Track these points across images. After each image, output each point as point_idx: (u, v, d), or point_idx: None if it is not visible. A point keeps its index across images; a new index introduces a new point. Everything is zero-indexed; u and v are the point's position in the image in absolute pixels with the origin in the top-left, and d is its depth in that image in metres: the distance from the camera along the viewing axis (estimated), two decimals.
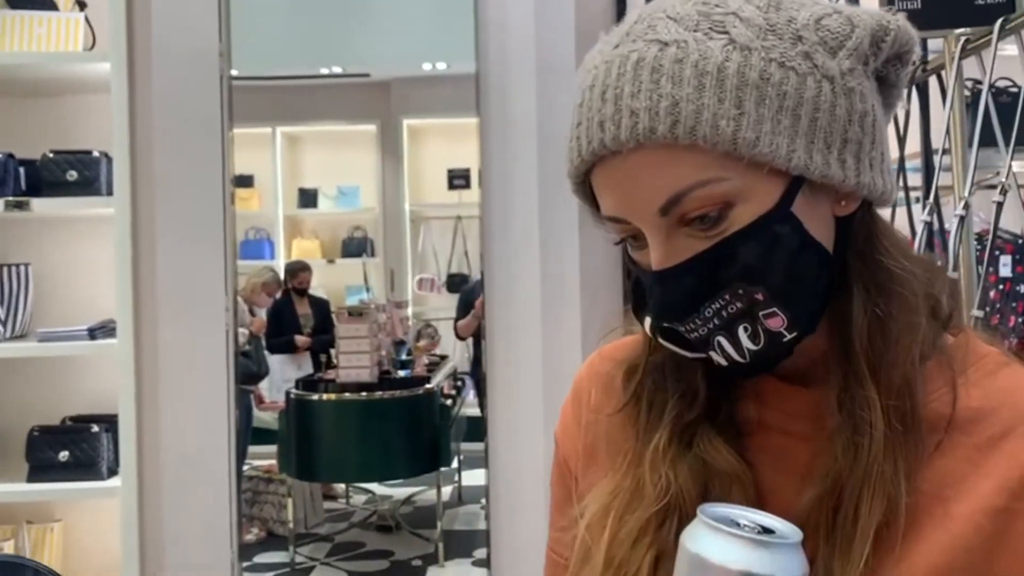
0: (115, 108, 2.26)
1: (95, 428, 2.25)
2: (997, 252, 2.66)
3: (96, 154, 2.28)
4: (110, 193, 2.26)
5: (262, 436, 4.68)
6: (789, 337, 0.58)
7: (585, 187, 0.62)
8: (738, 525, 0.54)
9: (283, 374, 5.19)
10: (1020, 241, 2.71)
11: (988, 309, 2.69)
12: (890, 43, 0.58)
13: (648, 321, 0.62)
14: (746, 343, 0.58)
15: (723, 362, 0.59)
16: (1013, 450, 0.59)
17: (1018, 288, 2.69)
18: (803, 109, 0.56)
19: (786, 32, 0.56)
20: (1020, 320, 2.74)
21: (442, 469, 4.27)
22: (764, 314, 0.57)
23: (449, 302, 6.07)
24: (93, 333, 2.28)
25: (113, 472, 2.27)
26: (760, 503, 0.60)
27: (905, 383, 0.59)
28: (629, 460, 0.66)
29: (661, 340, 0.62)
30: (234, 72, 2.62)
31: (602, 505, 0.65)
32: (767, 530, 0.54)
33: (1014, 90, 2.52)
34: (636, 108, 0.55)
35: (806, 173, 0.56)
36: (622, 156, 0.57)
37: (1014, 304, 2.72)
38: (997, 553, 0.57)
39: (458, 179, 6.63)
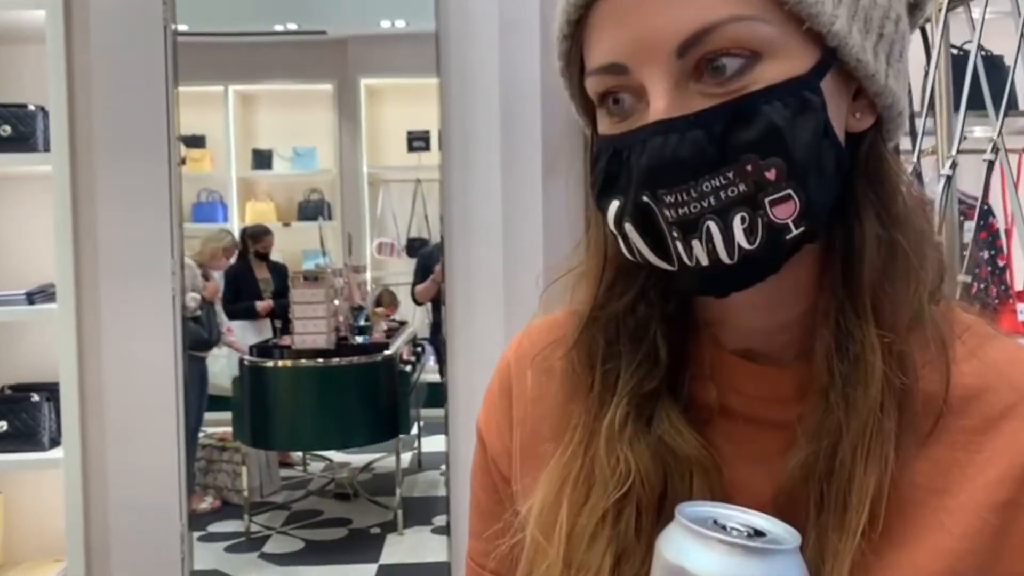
0: (51, 59, 2.14)
1: (35, 397, 2.16)
2: (961, 218, 2.65)
3: (32, 108, 2.16)
4: (47, 150, 2.15)
5: (217, 403, 4.58)
6: (795, 233, 0.48)
7: (574, 37, 0.53)
8: (724, 528, 0.46)
9: (244, 340, 5.08)
10: (986, 207, 2.70)
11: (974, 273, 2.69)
12: None
13: (616, 205, 0.51)
14: (739, 238, 0.48)
15: (703, 259, 0.49)
16: (1015, 432, 0.52)
17: (981, 254, 2.69)
18: None
19: None
20: (982, 286, 2.75)
21: (401, 436, 4.22)
22: (773, 199, 0.48)
23: (409, 266, 5.98)
24: (32, 297, 2.18)
25: (55, 443, 2.18)
26: (726, 498, 0.53)
27: (909, 330, 0.52)
28: (579, 438, 0.57)
29: (627, 228, 0.51)
30: (184, 27, 2.50)
31: (552, 494, 0.56)
32: (758, 533, 0.46)
33: (984, 54, 2.49)
34: None
35: (844, 47, 0.49)
36: None
37: (976, 270, 2.72)
38: (1003, 551, 0.51)
39: (418, 141, 6.51)
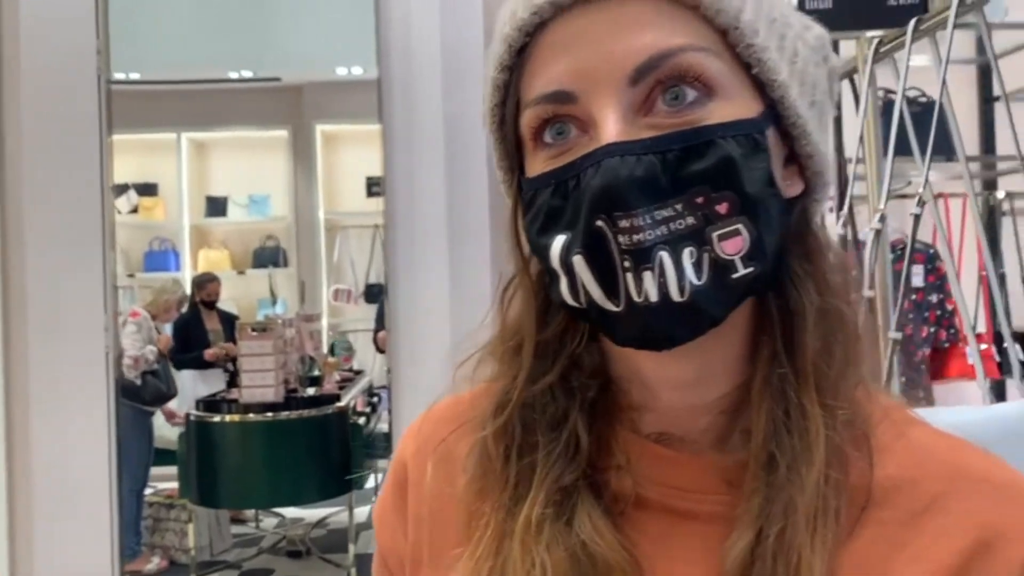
0: None
1: None
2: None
3: None
4: None
5: (165, 457, 4.43)
6: (741, 272, 0.46)
7: (513, 68, 0.51)
8: None
9: (195, 391, 4.95)
10: (931, 251, 2.72)
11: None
12: (831, 68, 0.55)
13: (561, 240, 0.48)
14: (689, 273, 0.46)
15: (653, 294, 0.46)
16: (942, 527, 0.49)
17: (930, 298, 2.70)
18: (787, 42, 0.51)
19: None
20: (932, 330, 2.75)
21: (356, 490, 4.10)
22: (721, 234, 0.46)
23: (367, 313, 5.89)
24: None
25: None
26: None
27: (849, 409, 0.50)
28: (491, 538, 0.52)
29: (575, 261, 0.48)
30: (135, 75, 2.46)
31: None
32: None
33: (923, 100, 2.52)
34: None
35: (786, 99, 0.50)
36: (598, 4, 0.47)
37: (926, 314, 2.72)
38: None
39: (377, 186, 6.46)
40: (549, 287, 0.51)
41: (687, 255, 0.46)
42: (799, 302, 0.51)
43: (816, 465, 0.48)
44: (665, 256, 0.46)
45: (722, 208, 0.46)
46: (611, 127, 0.47)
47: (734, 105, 0.48)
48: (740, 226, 0.46)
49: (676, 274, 0.46)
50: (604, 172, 0.46)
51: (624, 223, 0.46)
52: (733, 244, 0.46)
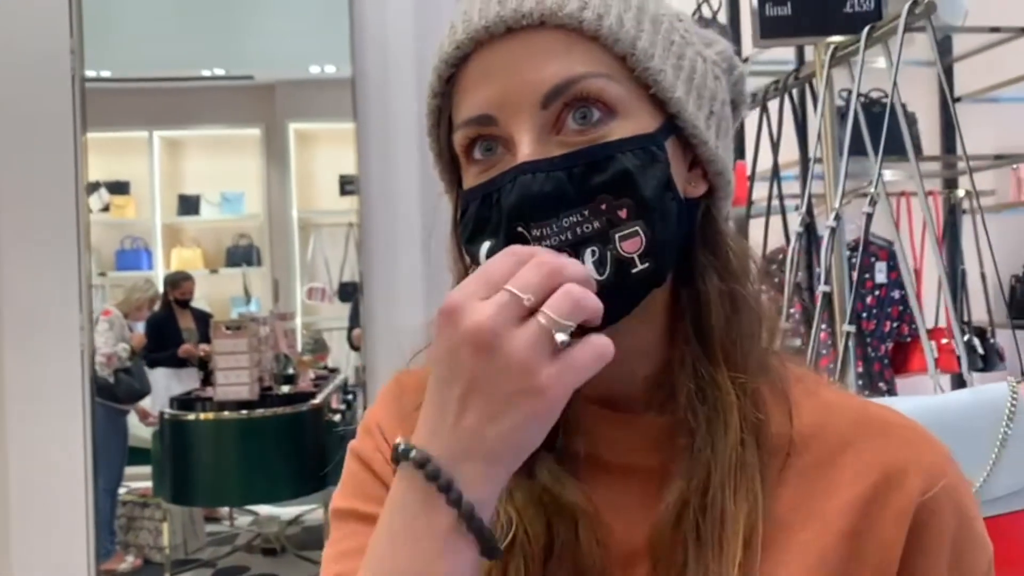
0: None
1: None
2: (873, 259, 2.72)
3: None
4: None
5: (138, 456, 4.42)
6: (640, 267, 0.54)
7: (443, 95, 0.58)
8: None
9: (168, 390, 4.93)
10: (893, 248, 2.78)
11: (865, 315, 2.76)
12: (738, 75, 0.63)
13: (488, 245, 0.55)
14: (591, 270, 0.53)
15: None
16: (853, 467, 0.58)
17: (892, 294, 2.77)
18: (685, 61, 0.58)
19: (670, 12, 0.60)
20: (895, 325, 2.82)
21: (330, 488, 4.12)
22: (622, 235, 0.53)
23: (341, 311, 5.89)
24: None
25: None
26: (606, 546, 0.57)
27: (756, 374, 0.58)
28: None
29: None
30: (106, 73, 2.47)
31: None
32: None
33: (885, 100, 2.58)
34: None
35: (683, 113, 0.57)
36: (512, 38, 0.55)
37: (889, 309, 2.79)
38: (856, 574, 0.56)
39: (350, 185, 6.45)
40: None
41: (588, 254, 0.53)
42: (704, 289, 0.58)
43: (732, 428, 0.56)
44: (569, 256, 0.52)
45: (622, 213, 0.53)
46: (525, 147, 0.54)
47: (634, 122, 0.55)
48: (638, 227, 0.53)
49: None
50: (518, 187, 0.53)
51: (536, 231, 0.53)
52: (632, 244, 0.53)
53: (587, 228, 0.53)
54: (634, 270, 0.53)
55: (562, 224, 0.53)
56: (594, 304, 0.48)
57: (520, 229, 0.54)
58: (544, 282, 0.48)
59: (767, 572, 0.55)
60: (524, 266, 0.48)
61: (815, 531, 0.56)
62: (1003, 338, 3.01)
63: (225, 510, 5.13)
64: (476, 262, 0.56)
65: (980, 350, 2.87)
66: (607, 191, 0.53)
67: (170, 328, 5.13)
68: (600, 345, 0.48)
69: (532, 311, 0.48)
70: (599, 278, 0.53)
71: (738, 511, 0.54)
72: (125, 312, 4.70)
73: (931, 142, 3.28)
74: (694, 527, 0.55)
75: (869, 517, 0.56)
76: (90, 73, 2.53)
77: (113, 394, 4.27)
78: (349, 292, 6.51)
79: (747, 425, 0.57)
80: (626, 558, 0.57)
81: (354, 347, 5.11)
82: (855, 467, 0.58)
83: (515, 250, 0.50)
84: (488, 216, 0.55)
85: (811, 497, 0.57)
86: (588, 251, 0.53)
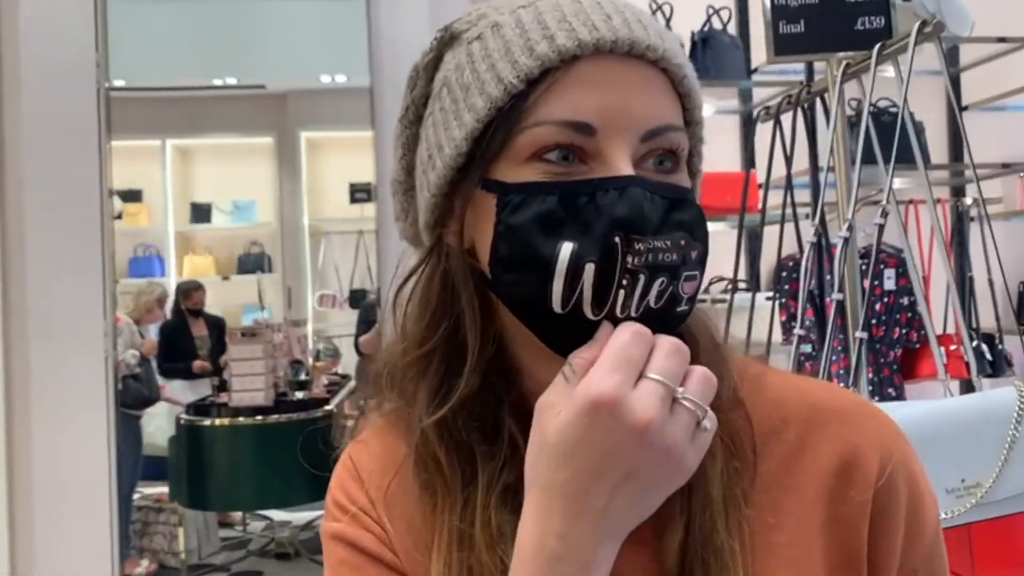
0: None
1: None
2: (882, 266, 2.76)
3: None
4: None
5: (152, 464, 4.46)
6: (682, 309, 0.56)
7: (526, 90, 0.55)
8: None
9: (182, 398, 4.97)
10: (902, 255, 2.82)
11: (875, 321, 2.79)
12: None
13: (570, 246, 0.53)
14: (652, 298, 0.53)
15: (633, 310, 0.53)
16: (812, 459, 0.60)
17: (901, 301, 2.81)
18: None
19: None
20: (904, 331, 2.85)
21: None
22: (687, 275, 0.55)
23: (352, 318, 5.93)
24: None
25: None
26: None
27: (732, 400, 0.60)
28: (448, 543, 0.58)
29: (587, 268, 0.53)
30: (120, 82, 2.52)
31: None
32: None
33: (894, 110, 2.63)
34: (646, 24, 0.57)
35: (696, 187, 0.61)
36: (626, 61, 0.56)
37: (897, 316, 2.83)
38: (834, 560, 0.58)
39: (360, 193, 6.51)
40: (507, 285, 0.56)
41: (657, 284, 0.53)
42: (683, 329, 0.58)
43: (717, 458, 0.57)
44: (643, 279, 0.53)
45: (694, 254, 0.55)
46: (624, 167, 0.54)
47: (684, 177, 0.59)
48: (698, 273, 0.56)
49: (640, 294, 0.53)
50: (629, 199, 0.53)
51: (639, 245, 0.53)
52: (691, 286, 0.55)
53: (669, 258, 0.53)
54: (678, 309, 0.55)
55: (654, 245, 0.53)
56: (716, 384, 0.52)
57: (617, 240, 0.53)
58: (682, 369, 0.51)
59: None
60: (660, 350, 0.51)
61: (791, 532, 0.58)
62: (1011, 344, 3.04)
63: (238, 515, 5.17)
64: (532, 258, 0.54)
65: (988, 356, 2.90)
66: (687, 230, 0.55)
67: (183, 338, 5.15)
68: (715, 424, 0.51)
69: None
70: (654, 307, 0.54)
71: (734, 542, 0.56)
72: (136, 318, 4.73)
73: (939, 150, 3.32)
74: (702, 566, 0.55)
75: (835, 506, 0.59)
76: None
77: (122, 400, 4.31)
78: (359, 299, 6.56)
79: (731, 454, 0.59)
80: None
81: (360, 353, 5.14)
82: (816, 461, 0.60)
83: (641, 331, 0.51)
84: (567, 217, 0.53)
85: (782, 501, 0.59)
86: (660, 279, 0.53)
